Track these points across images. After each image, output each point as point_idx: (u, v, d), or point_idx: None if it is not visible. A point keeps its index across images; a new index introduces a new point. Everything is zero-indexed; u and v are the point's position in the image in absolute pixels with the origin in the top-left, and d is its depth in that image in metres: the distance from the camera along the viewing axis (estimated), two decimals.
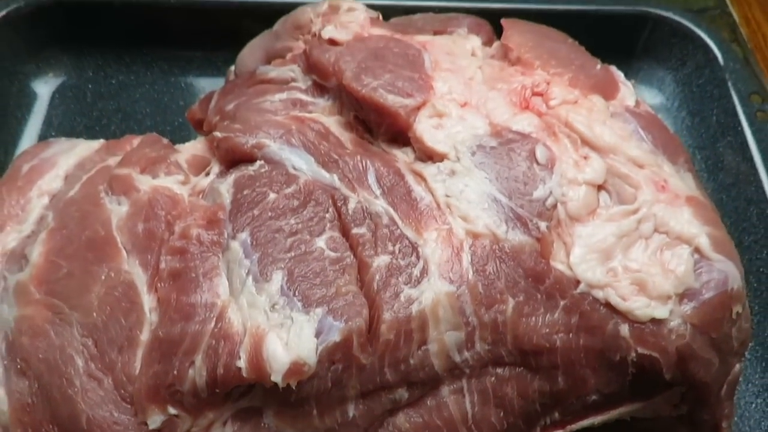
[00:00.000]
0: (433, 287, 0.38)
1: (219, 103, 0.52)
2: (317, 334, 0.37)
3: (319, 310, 0.37)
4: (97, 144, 0.51)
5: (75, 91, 0.68)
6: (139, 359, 0.39)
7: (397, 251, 0.40)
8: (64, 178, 0.48)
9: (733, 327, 0.41)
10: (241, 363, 0.36)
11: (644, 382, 0.40)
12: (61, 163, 0.49)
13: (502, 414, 0.39)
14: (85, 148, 0.51)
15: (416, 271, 0.39)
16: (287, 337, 0.37)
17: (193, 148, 0.50)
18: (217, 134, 0.46)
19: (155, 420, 0.38)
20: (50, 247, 0.42)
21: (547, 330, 0.39)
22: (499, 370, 0.39)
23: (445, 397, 0.38)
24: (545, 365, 0.39)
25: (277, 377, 0.36)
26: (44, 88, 0.67)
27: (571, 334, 0.39)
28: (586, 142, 0.44)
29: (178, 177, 0.45)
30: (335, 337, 0.36)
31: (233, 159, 0.46)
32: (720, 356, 0.40)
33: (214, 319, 0.38)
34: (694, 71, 0.68)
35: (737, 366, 0.42)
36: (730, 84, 0.64)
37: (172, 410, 0.37)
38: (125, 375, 0.39)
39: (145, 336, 0.39)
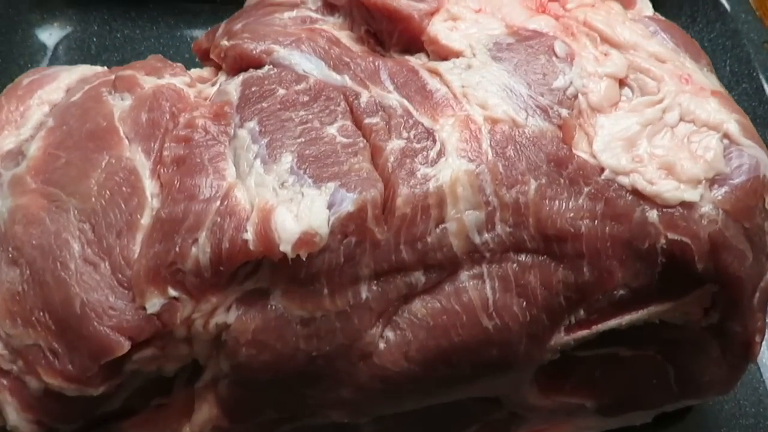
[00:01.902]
0: (451, 165, 0.36)
1: (227, 27, 0.51)
2: (329, 206, 0.34)
3: (331, 185, 0.35)
4: (100, 68, 0.50)
5: (79, 43, 0.67)
6: (139, 243, 0.36)
7: (411, 136, 0.38)
8: (66, 90, 0.47)
9: (765, 221, 0.39)
10: (248, 236, 0.34)
11: (674, 275, 0.38)
12: (63, 77, 0.47)
13: (524, 304, 0.36)
14: (88, 68, 0.50)
15: (433, 153, 0.37)
16: (297, 210, 0.34)
17: (200, 71, 0.49)
18: (225, 43, 0.45)
19: (154, 303, 0.35)
20: (49, 142, 0.40)
21: (572, 215, 0.37)
22: (521, 257, 0.37)
23: (464, 282, 0.36)
24: (570, 253, 0.37)
25: (286, 247, 0.33)
26: (49, 39, 0.66)
27: (596, 221, 0.37)
28: (605, 40, 0.42)
29: (185, 79, 0.44)
30: (348, 207, 0.34)
31: (241, 66, 0.44)
32: (753, 251, 0.38)
33: (220, 198, 0.36)
34: (705, 27, 0.67)
35: None
36: (742, 34, 0.64)
37: (172, 292, 0.35)
38: (123, 259, 0.36)
39: (145, 221, 0.37)
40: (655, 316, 0.39)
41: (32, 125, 0.45)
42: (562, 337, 0.38)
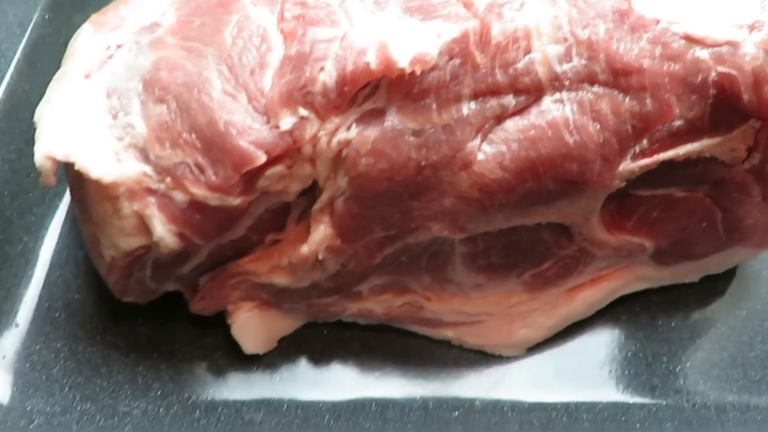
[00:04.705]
0: (534, 11, 0.43)
1: None
2: (437, 34, 0.41)
3: (436, 20, 0.42)
4: None
5: None
6: (270, 78, 0.43)
7: None
8: None
9: None
10: (370, 58, 0.41)
11: (723, 109, 0.44)
12: None
13: (598, 127, 0.43)
14: None
15: (516, 4, 0.44)
16: (410, 38, 0.41)
17: None
18: None
19: (287, 122, 0.41)
20: (181, 13, 0.47)
21: (635, 53, 0.43)
22: (594, 88, 0.43)
23: (548, 105, 0.42)
24: (634, 86, 0.43)
25: (404, 64, 0.40)
26: None
27: (656, 61, 0.43)
28: None
29: None
30: (453, 33, 0.41)
31: None
32: None
33: (340, 38, 0.42)
34: None
35: None
36: None
37: (302, 111, 0.41)
38: (258, 91, 0.42)
39: (275, 62, 0.43)
40: (706, 150, 0.45)
41: (163, 4, 0.52)
42: (628, 164, 0.44)
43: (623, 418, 0.48)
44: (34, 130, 0.57)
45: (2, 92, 0.58)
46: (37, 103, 0.56)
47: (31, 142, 0.57)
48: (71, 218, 0.57)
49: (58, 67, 0.48)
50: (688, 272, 0.53)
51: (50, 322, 0.51)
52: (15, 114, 0.57)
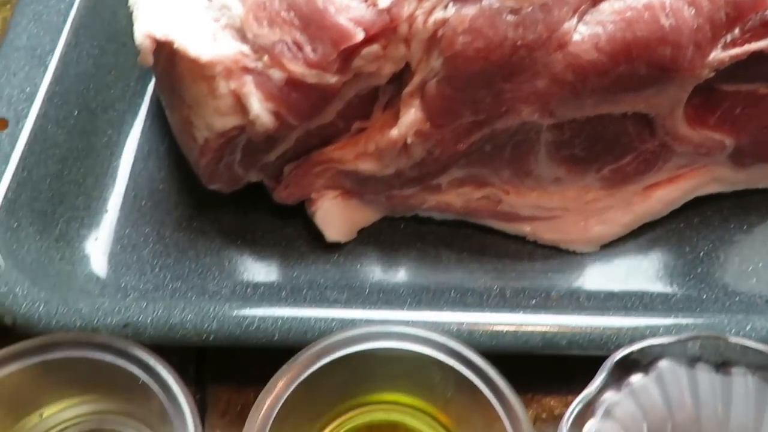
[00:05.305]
0: None
1: None
2: None
3: None
4: None
5: None
6: None
7: None
8: None
9: None
10: None
11: None
12: None
13: (693, 12, 0.43)
14: None
15: None
16: None
17: None
18: None
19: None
20: None
21: None
22: None
23: None
24: None
25: None
26: None
27: None
28: None
29: None
30: None
31: None
32: None
33: None
34: None
35: None
36: None
37: None
38: None
39: None
40: None
41: None
42: (719, 53, 0.44)
43: (698, 309, 0.49)
44: (116, 28, 0.59)
45: None
46: (119, 1, 0.58)
47: (112, 39, 0.58)
48: (152, 116, 0.58)
49: None
50: (763, 177, 0.54)
51: (137, 209, 0.53)
52: (98, 11, 0.57)
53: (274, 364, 0.40)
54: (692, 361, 0.37)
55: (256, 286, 0.50)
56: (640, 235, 0.53)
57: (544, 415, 0.47)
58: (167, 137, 0.57)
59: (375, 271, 0.51)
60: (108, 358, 0.38)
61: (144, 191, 0.54)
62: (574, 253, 0.52)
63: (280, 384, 0.38)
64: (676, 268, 0.52)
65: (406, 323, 0.43)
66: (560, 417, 0.47)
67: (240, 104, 0.44)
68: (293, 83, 0.43)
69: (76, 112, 0.54)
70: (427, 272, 0.51)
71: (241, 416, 0.46)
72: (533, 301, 0.49)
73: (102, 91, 0.57)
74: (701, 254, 0.52)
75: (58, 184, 0.51)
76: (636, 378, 0.37)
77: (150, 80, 0.60)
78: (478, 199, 0.51)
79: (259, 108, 0.44)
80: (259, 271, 0.51)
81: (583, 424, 0.35)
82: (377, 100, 0.47)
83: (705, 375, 0.38)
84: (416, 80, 0.45)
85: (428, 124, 0.45)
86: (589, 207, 0.52)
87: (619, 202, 0.52)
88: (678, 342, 0.36)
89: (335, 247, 0.52)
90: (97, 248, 0.51)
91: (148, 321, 0.43)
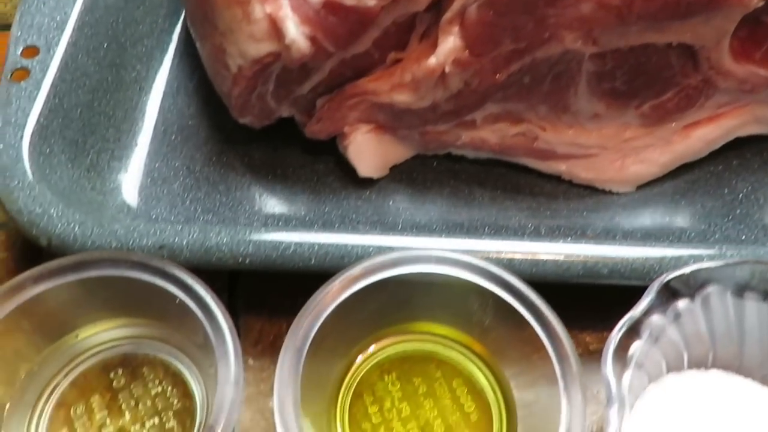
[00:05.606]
0: None
1: None
2: None
3: None
4: None
5: None
6: None
7: None
8: None
9: None
10: None
11: None
12: None
13: None
14: None
15: None
16: None
17: None
18: None
19: None
20: None
21: None
22: None
23: None
24: None
25: None
26: None
27: None
28: None
29: None
30: None
31: None
32: None
33: None
34: None
35: None
36: None
37: None
38: None
39: None
40: None
41: None
42: None
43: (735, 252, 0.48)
44: None
45: None
46: None
47: None
48: (180, 53, 0.57)
49: None
50: None
51: (167, 143, 0.53)
52: None
53: (306, 295, 0.40)
54: (740, 290, 0.37)
55: (288, 219, 0.49)
56: (678, 176, 0.52)
57: (579, 351, 0.46)
58: (196, 74, 0.56)
59: (408, 208, 0.50)
60: (145, 277, 0.38)
61: (173, 126, 0.54)
62: (610, 192, 0.51)
63: (319, 305, 0.37)
64: (714, 209, 0.50)
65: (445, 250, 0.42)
66: (596, 353, 0.46)
67: (275, 29, 0.43)
68: (331, 6, 0.42)
69: (106, 44, 0.53)
70: (460, 210, 0.50)
71: (274, 346, 0.46)
72: (569, 239, 0.48)
73: (131, 25, 0.56)
74: (740, 196, 0.51)
75: (89, 114, 0.50)
76: (682, 303, 0.36)
77: (177, 19, 0.59)
78: (513, 136, 0.50)
79: (295, 32, 0.43)
80: (291, 205, 0.50)
81: (629, 346, 0.34)
82: (414, 29, 0.46)
83: (753, 304, 0.37)
84: (456, 5, 0.43)
85: (467, 52, 0.44)
86: (627, 145, 0.51)
87: (657, 141, 0.51)
88: (727, 266, 0.35)
89: (367, 183, 0.51)
90: (128, 180, 0.50)
91: (184, 243, 0.42)
